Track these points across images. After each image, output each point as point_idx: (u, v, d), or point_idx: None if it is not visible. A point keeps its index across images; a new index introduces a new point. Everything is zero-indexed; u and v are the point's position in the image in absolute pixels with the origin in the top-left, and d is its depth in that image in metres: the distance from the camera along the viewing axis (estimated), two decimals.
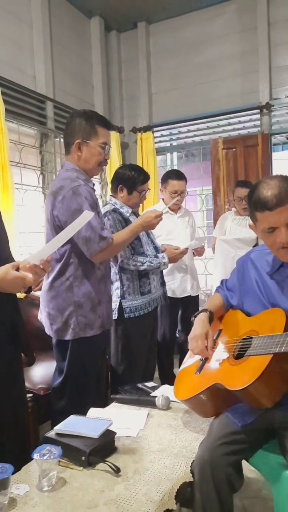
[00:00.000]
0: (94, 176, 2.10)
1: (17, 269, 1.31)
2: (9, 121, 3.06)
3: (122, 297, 2.35)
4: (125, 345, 2.39)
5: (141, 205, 2.67)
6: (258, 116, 3.95)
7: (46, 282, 1.93)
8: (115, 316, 2.32)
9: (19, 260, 1.36)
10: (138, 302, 2.37)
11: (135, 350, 2.40)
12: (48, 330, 1.94)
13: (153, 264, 2.38)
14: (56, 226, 1.88)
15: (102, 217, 2.05)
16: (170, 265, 2.64)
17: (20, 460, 1.26)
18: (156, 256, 2.44)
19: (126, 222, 2.35)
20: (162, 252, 2.55)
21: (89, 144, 1.92)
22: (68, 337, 1.88)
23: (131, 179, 2.42)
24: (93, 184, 2.01)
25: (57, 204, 1.85)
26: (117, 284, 2.36)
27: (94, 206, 1.88)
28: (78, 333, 1.88)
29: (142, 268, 2.35)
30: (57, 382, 1.97)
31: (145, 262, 2.36)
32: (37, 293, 2.18)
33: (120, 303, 2.34)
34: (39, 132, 3.53)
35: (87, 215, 1.38)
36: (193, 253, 3.15)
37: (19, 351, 1.59)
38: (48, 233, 1.95)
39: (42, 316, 1.99)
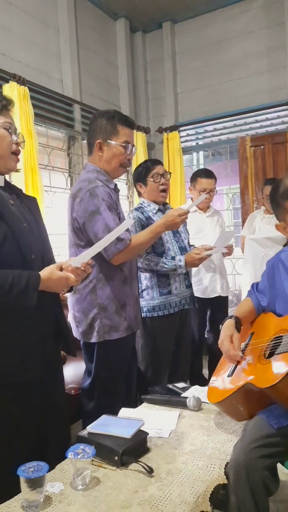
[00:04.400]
0: (118, 178, 2.05)
1: (60, 269, 1.39)
2: (38, 124, 3.12)
3: (140, 295, 2.32)
4: (144, 344, 2.37)
5: (169, 203, 2.65)
6: (286, 112, 3.88)
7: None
8: None
9: (62, 261, 1.44)
10: (156, 302, 2.31)
11: (155, 350, 2.36)
12: (75, 333, 1.95)
13: (167, 266, 2.28)
14: (76, 228, 1.87)
15: (122, 218, 1.98)
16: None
17: (61, 458, 1.28)
18: (173, 259, 2.33)
19: (147, 220, 2.31)
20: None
21: (110, 143, 1.89)
22: (93, 339, 1.88)
23: (140, 172, 2.41)
24: (115, 185, 1.97)
25: (75, 206, 1.84)
26: None
27: (113, 207, 1.85)
28: (103, 336, 1.87)
29: (156, 268, 2.28)
30: (86, 384, 1.98)
31: (159, 263, 2.28)
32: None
33: None
34: (67, 135, 3.57)
35: (129, 221, 1.48)
36: (222, 252, 3.11)
37: (60, 348, 1.63)
38: (69, 234, 1.93)
39: (69, 318, 2.00)
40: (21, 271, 1.32)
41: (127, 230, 1.83)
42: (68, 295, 1.98)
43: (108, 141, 1.89)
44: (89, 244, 1.84)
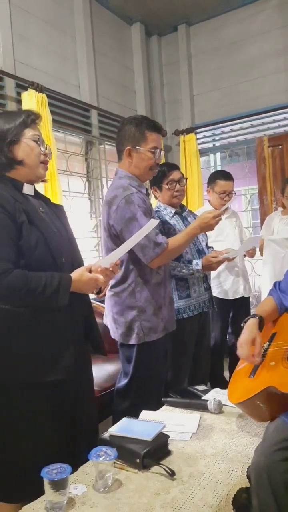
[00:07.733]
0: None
1: (90, 271, 1.45)
2: (56, 130, 3.16)
3: None
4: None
5: (186, 206, 2.65)
6: None
7: (108, 288, 1.98)
8: None
9: (91, 263, 1.50)
10: (175, 306, 2.29)
11: (175, 353, 2.34)
12: (114, 334, 1.99)
13: (184, 270, 2.28)
14: (113, 235, 1.92)
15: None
16: (221, 266, 2.56)
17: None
18: (190, 262, 2.32)
19: (164, 224, 2.32)
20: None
21: (139, 150, 1.93)
22: (132, 341, 1.91)
23: (156, 177, 2.38)
24: (146, 189, 2.02)
25: (112, 214, 1.88)
26: None
27: (148, 213, 1.89)
28: (143, 338, 1.91)
29: (173, 272, 2.27)
30: (121, 384, 2.01)
31: (176, 268, 2.28)
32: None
33: None
34: (85, 140, 3.62)
35: (153, 223, 1.49)
36: (244, 254, 3.09)
37: (89, 349, 1.66)
38: (106, 240, 1.99)
39: (107, 319, 2.04)
40: (52, 273, 1.38)
41: (151, 234, 1.84)
42: (106, 298, 2.02)
43: (137, 147, 1.93)
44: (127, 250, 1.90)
